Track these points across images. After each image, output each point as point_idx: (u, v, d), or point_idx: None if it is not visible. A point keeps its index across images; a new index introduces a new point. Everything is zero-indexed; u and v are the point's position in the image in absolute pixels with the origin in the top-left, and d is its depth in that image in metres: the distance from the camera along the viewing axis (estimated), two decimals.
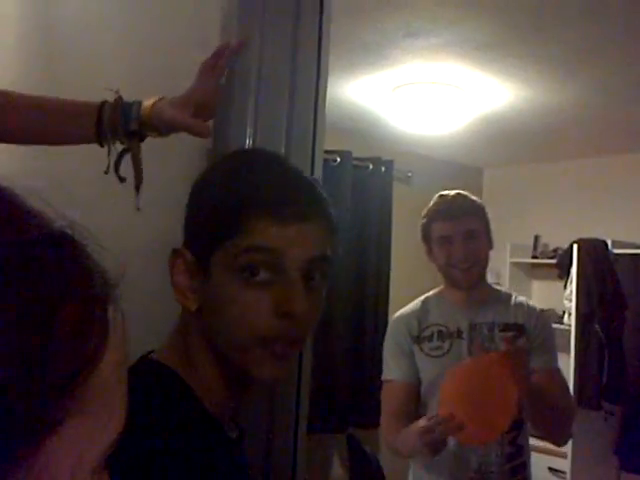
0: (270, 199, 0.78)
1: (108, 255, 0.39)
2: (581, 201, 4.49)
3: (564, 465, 3.80)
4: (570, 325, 3.89)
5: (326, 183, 3.99)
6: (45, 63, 1.28)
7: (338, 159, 3.91)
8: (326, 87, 1.51)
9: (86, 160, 1.13)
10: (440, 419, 1.59)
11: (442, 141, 4.21)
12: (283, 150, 1.37)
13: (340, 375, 3.88)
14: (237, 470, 0.86)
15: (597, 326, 3.76)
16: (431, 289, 2.10)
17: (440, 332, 1.95)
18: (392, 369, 1.99)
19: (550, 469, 3.90)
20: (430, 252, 2.00)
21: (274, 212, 0.77)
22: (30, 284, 0.34)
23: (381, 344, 2.08)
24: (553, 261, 4.23)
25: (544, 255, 4.48)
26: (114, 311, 0.39)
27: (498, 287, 2.12)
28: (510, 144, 4.33)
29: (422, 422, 1.66)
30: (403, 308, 2.08)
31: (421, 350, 1.95)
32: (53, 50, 1.28)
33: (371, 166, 4.11)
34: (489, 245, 1.98)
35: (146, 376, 0.79)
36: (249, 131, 1.33)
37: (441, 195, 2.00)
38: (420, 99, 3.34)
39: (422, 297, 2.08)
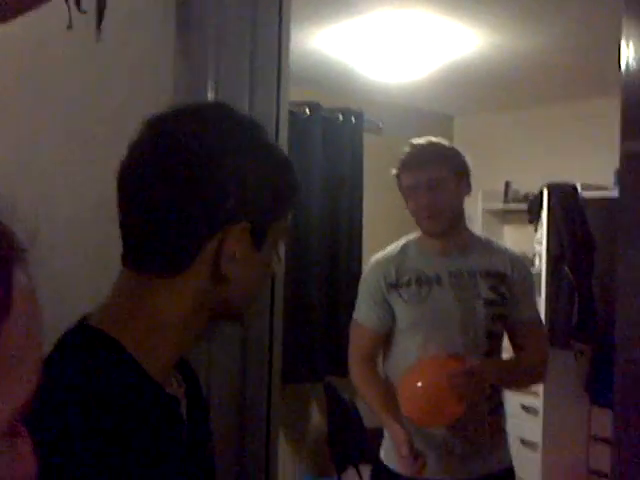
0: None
1: (28, 219, 0.39)
2: (550, 146, 4.51)
3: (537, 403, 3.91)
4: (541, 268, 3.96)
5: (296, 135, 3.98)
6: None
7: (307, 111, 3.88)
8: (289, 36, 1.48)
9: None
10: (411, 463, 1.78)
11: (412, 89, 4.18)
12: (247, 102, 1.35)
13: (316, 325, 3.92)
14: (180, 432, 0.86)
15: (567, 268, 3.83)
16: (403, 237, 2.10)
17: (419, 278, 1.95)
18: (363, 313, 2.04)
19: (523, 407, 4.02)
20: (406, 203, 2.01)
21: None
22: None
23: (356, 293, 2.11)
24: (524, 206, 4.27)
25: (515, 201, 4.52)
26: (22, 274, 0.38)
27: (478, 234, 2.14)
28: (480, 91, 4.31)
29: (403, 450, 1.78)
30: (383, 251, 2.08)
31: (399, 296, 1.96)
32: None
33: (341, 117, 4.09)
34: (462, 192, 1.98)
35: (82, 343, 0.80)
36: (210, 83, 1.31)
37: (411, 144, 2.00)
38: (389, 47, 3.31)
39: (403, 240, 2.07)
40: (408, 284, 1.95)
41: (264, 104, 1.40)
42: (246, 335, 1.36)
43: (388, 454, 2.01)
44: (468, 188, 2.00)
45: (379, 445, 2.07)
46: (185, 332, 0.85)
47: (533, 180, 4.26)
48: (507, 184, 4.59)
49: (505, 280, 1.96)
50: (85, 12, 1.04)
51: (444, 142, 2.01)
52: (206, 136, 0.81)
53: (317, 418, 4.25)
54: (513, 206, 4.52)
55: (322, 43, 3.36)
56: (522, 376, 2.05)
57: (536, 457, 3.89)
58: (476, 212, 4.66)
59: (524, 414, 4.03)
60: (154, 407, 0.80)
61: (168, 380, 0.87)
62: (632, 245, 1.51)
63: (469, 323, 1.91)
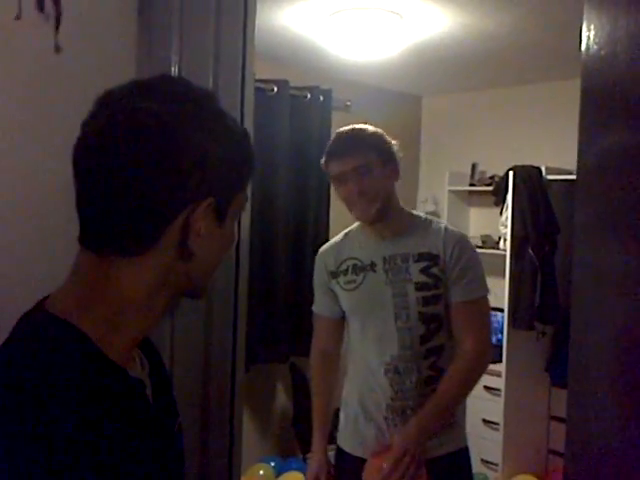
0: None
1: None
2: (517, 128, 4.54)
3: (499, 383, 3.97)
4: (505, 250, 4.00)
5: (263, 113, 3.93)
6: None
7: (275, 88, 3.84)
8: (255, 11, 1.46)
9: None
10: None
11: (380, 69, 4.17)
12: (211, 78, 1.33)
13: (281, 305, 3.92)
14: (147, 414, 0.85)
15: (531, 250, 3.88)
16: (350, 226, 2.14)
17: (355, 266, 2.01)
18: (317, 303, 2.13)
19: (485, 387, 4.08)
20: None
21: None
22: None
23: None
24: (490, 188, 4.31)
25: (481, 182, 4.55)
26: None
27: (416, 213, 2.12)
28: (448, 71, 4.31)
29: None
30: (328, 242, 2.17)
31: (337, 284, 2.04)
32: None
33: (309, 95, 4.06)
34: (390, 177, 1.96)
35: (39, 330, 0.79)
36: (174, 58, 1.29)
37: (336, 134, 2.01)
38: (357, 25, 3.28)
39: (347, 229, 2.12)
40: (345, 272, 2.02)
41: (229, 80, 1.39)
42: (210, 313, 1.35)
43: (342, 438, 2.10)
44: (396, 174, 1.98)
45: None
46: (149, 311, 0.84)
47: (500, 162, 4.29)
48: (474, 166, 4.61)
49: (437, 262, 1.94)
50: None
51: (370, 128, 1.99)
52: (163, 112, 0.79)
53: (282, 399, 4.26)
54: (479, 188, 4.55)
55: (290, 20, 3.32)
56: (457, 396, 1.99)
57: (497, 436, 3.96)
58: (442, 193, 4.70)
59: (486, 394, 4.10)
60: (118, 392, 0.79)
61: (131, 362, 0.86)
62: (588, 228, 1.53)
63: (401, 307, 1.93)
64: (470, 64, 4.08)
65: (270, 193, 3.82)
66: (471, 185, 4.61)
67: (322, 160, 1.99)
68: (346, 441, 2.07)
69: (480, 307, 2.02)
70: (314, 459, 2.07)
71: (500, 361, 3.95)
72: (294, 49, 3.81)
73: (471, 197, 4.80)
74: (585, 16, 1.11)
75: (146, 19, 1.31)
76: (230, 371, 1.37)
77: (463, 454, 2.04)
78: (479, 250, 4.29)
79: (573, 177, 3.76)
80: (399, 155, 2.00)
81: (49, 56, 1.18)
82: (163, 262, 0.82)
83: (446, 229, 2.02)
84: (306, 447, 3.62)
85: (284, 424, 4.15)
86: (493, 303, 3.99)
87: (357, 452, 2.01)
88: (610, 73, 1.43)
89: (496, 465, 3.98)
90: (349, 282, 2.01)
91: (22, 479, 0.68)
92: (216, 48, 1.35)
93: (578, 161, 1.57)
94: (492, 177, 4.43)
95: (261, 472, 3.83)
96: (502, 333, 4.02)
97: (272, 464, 3.93)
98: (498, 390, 4.00)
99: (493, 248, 4.34)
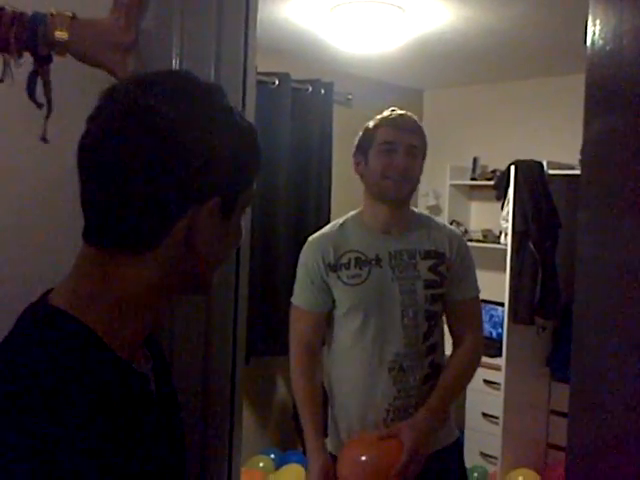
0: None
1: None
2: (519, 123, 4.53)
3: (499, 377, 3.98)
4: (506, 245, 4.00)
5: (265, 106, 3.92)
6: None
7: (276, 81, 3.83)
8: (257, 3, 1.45)
9: None
10: None
11: (382, 62, 4.16)
12: (212, 71, 1.32)
13: (281, 297, 3.91)
14: (151, 408, 0.85)
15: (532, 245, 3.88)
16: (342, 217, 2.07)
17: (358, 259, 1.92)
18: (301, 296, 1.99)
19: (485, 381, 4.08)
20: (363, 163, 1.97)
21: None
22: None
23: None
24: (491, 182, 4.30)
25: (482, 177, 4.54)
26: None
27: (417, 210, 2.12)
28: (450, 65, 4.30)
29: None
30: (319, 231, 2.03)
31: (338, 278, 1.92)
32: None
33: (310, 88, 4.05)
34: (421, 169, 1.98)
35: (44, 324, 0.78)
36: (175, 52, 1.28)
37: (392, 109, 1.99)
38: (359, 19, 3.26)
39: (340, 220, 2.03)
40: (347, 266, 1.92)
41: (230, 73, 1.38)
42: (210, 307, 1.35)
43: (334, 444, 2.01)
44: (422, 171, 2.01)
45: None
46: (152, 307, 0.84)
47: (501, 156, 4.29)
48: (475, 160, 4.60)
49: (444, 260, 1.96)
50: (42, 106, 1.03)
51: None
52: (170, 110, 0.78)
53: (282, 391, 4.27)
54: (480, 182, 4.54)
55: (292, 13, 3.31)
56: (459, 387, 2.04)
57: (497, 430, 3.97)
58: (443, 187, 4.69)
59: (486, 388, 4.11)
60: (123, 386, 0.79)
61: (137, 357, 0.86)
62: (592, 223, 1.52)
63: (409, 305, 1.90)
64: (472, 58, 4.07)
65: (271, 186, 3.82)
66: (472, 179, 4.60)
67: (370, 124, 1.97)
68: (339, 447, 1.96)
69: (477, 304, 2.07)
70: (315, 461, 1.89)
71: (500, 355, 3.96)
72: (296, 42, 3.80)
73: (472, 191, 4.79)
74: (590, 10, 1.11)
75: (147, 12, 1.30)
76: (230, 364, 1.37)
77: (456, 447, 2.04)
78: (480, 244, 4.33)
79: (575, 172, 3.76)
80: None
81: None
82: (167, 260, 0.81)
83: (446, 226, 2.07)
84: None
85: (284, 416, 4.15)
86: (494, 297, 4.03)
87: None
88: (616, 68, 1.43)
89: (495, 458, 3.99)
90: (353, 276, 1.91)
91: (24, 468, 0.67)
92: (217, 42, 1.34)
93: (582, 156, 1.57)
94: (493, 171, 4.42)
95: (261, 464, 3.84)
96: (502, 327, 4.02)
97: (272, 456, 3.94)
98: (498, 384, 4.01)
99: (494, 242, 4.34)
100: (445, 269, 1.95)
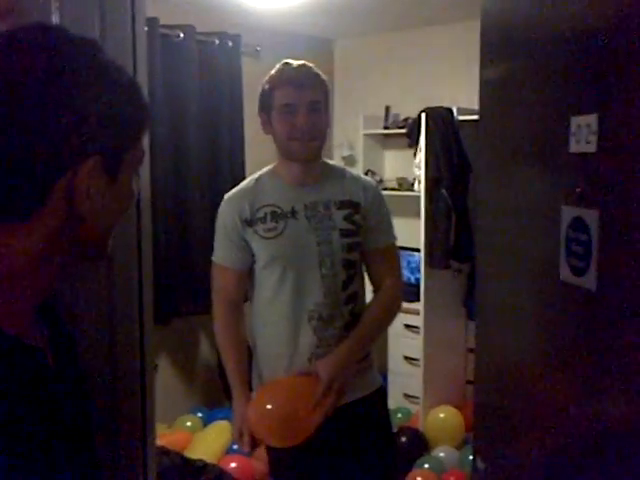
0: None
1: None
2: (429, 70, 4.56)
3: (418, 321, 4.09)
4: (420, 191, 4.06)
5: (170, 60, 3.80)
6: None
7: (181, 34, 3.72)
8: None
9: None
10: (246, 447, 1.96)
11: (290, 13, 4.07)
12: (97, 24, 1.26)
13: (200, 257, 3.88)
14: (45, 382, 0.82)
15: (444, 191, 3.95)
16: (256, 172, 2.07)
17: (274, 213, 1.94)
18: (221, 253, 2.02)
19: (405, 325, 4.20)
20: (268, 123, 1.95)
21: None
22: None
23: None
24: (403, 131, 4.34)
25: (395, 125, 4.57)
26: None
27: (330, 161, 2.12)
28: (358, 14, 4.26)
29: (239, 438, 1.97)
30: (235, 188, 2.04)
31: (255, 232, 1.94)
32: None
33: (217, 41, 3.95)
34: (328, 121, 1.97)
35: None
36: (54, 4, 1.21)
37: (285, 63, 1.94)
38: None
39: (256, 175, 2.04)
40: (264, 220, 1.93)
41: (117, 25, 1.31)
42: (112, 272, 1.32)
43: None
44: (330, 119, 1.99)
45: None
46: (40, 278, 0.81)
47: (413, 104, 4.31)
48: (387, 109, 4.63)
49: (359, 209, 1.98)
50: None
51: (314, 67, 1.97)
52: (38, 68, 0.74)
53: (207, 350, 4.26)
54: (393, 131, 4.57)
55: None
56: (379, 328, 2.08)
57: (418, 372, 4.10)
58: (357, 137, 4.70)
59: (407, 332, 4.22)
60: (11, 361, 0.76)
61: (29, 329, 0.83)
62: (489, 167, 1.56)
63: (326, 254, 1.93)
64: (380, 6, 4.04)
65: (182, 142, 3.74)
66: (385, 128, 4.63)
67: (265, 85, 1.93)
68: None
69: (394, 251, 2.11)
70: (238, 413, 1.98)
71: (419, 300, 4.06)
72: None
73: (386, 140, 4.83)
74: None
75: None
76: (138, 331, 1.35)
77: (379, 395, 2.10)
78: (395, 193, 4.39)
79: None
80: None
81: None
82: (51, 227, 0.78)
83: (360, 177, 2.08)
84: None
85: (210, 375, 4.16)
86: (410, 244, 4.11)
87: None
88: (508, 13, 1.45)
89: (417, 398, 4.13)
90: (269, 230, 1.92)
91: None
92: None
93: (480, 102, 1.60)
94: (406, 119, 4.46)
95: (188, 423, 3.85)
96: (420, 272, 4.12)
97: (199, 415, 3.96)
98: (417, 328, 4.12)
99: (409, 190, 4.41)
100: (360, 218, 1.98)
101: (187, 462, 3.20)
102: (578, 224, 1.13)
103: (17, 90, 0.73)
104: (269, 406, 1.85)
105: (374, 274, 2.08)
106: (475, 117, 3.87)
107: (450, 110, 4.04)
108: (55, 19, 1.21)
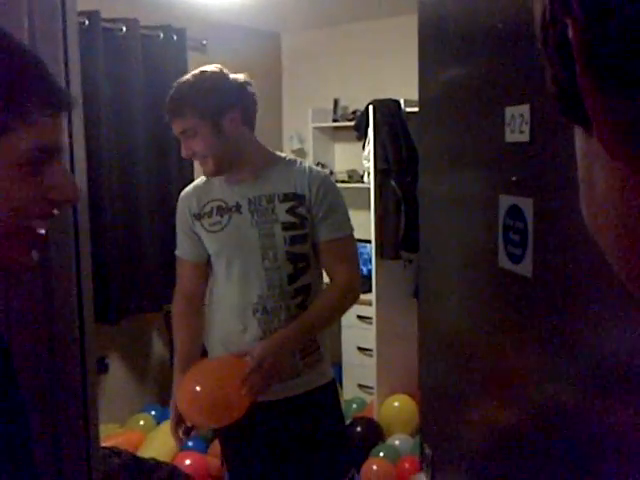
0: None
1: None
2: (376, 62, 4.58)
3: (370, 312, 4.12)
4: (370, 183, 4.09)
5: (113, 54, 3.73)
6: None
7: (124, 28, 3.65)
8: None
9: None
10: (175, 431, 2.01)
11: (236, 6, 4.04)
12: (25, 16, 1.23)
13: (150, 254, 3.83)
14: None
15: (393, 182, 3.99)
16: None
17: (219, 207, 2.00)
18: (180, 246, 2.12)
19: (358, 317, 4.23)
20: None
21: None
22: None
23: None
24: (352, 123, 4.35)
25: (344, 118, 4.59)
26: None
27: (278, 153, 2.10)
28: (304, 7, 4.26)
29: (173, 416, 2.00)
30: (190, 185, 2.14)
31: (202, 226, 2.03)
32: None
33: (162, 35, 3.89)
34: (227, 130, 1.90)
35: None
36: None
37: (175, 86, 1.94)
38: None
39: None
40: (210, 214, 2.02)
41: (46, 15, 1.28)
42: (49, 275, 1.29)
43: None
44: (236, 122, 1.92)
45: None
46: None
47: (361, 97, 4.33)
48: (336, 101, 4.64)
49: (303, 202, 1.98)
50: None
51: (206, 76, 1.92)
52: None
53: (159, 347, 4.22)
54: (342, 123, 4.59)
55: None
56: (324, 319, 2.05)
57: (371, 362, 4.14)
58: (307, 130, 4.70)
59: (360, 323, 4.25)
60: None
61: None
62: (428, 158, 1.58)
63: (268, 247, 1.96)
64: None
65: (127, 138, 3.67)
66: (334, 121, 4.64)
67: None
68: None
69: (346, 244, 2.08)
70: (174, 406, 1.99)
71: (370, 291, 4.09)
72: None
73: (335, 133, 4.84)
74: None
75: None
76: (78, 332, 1.33)
77: (330, 387, 2.11)
78: (345, 185, 4.41)
79: None
80: (248, 97, 1.96)
81: None
82: None
83: (310, 169, 2.04)
84: None
85: (163, 372, 4.12)
86: (361, 235, 4.13)
87: None
88: (444, 7, 1.47)
89: (372, 388, 4.17)
90: (214, 224, 2.00)
91: None
92: None
93: (419, 94, 1.62)
94: (354, 112, 4.47)
95: (141, 422, 3.81)
96: (371, 264, 4.15)
97: (152, 413, 3.91)
98: (370, 318, 4.16)
99: (359, 182, 4.43)
100: (305, 211, 1.98)
101: (139, 462, 3.17)
102: (514, 212, 1.15)
103: None
104: (198, 388, 1.84)
105: (326, 266, 2.08)
106: None
107: (397, 102, 4.06)
108: None
